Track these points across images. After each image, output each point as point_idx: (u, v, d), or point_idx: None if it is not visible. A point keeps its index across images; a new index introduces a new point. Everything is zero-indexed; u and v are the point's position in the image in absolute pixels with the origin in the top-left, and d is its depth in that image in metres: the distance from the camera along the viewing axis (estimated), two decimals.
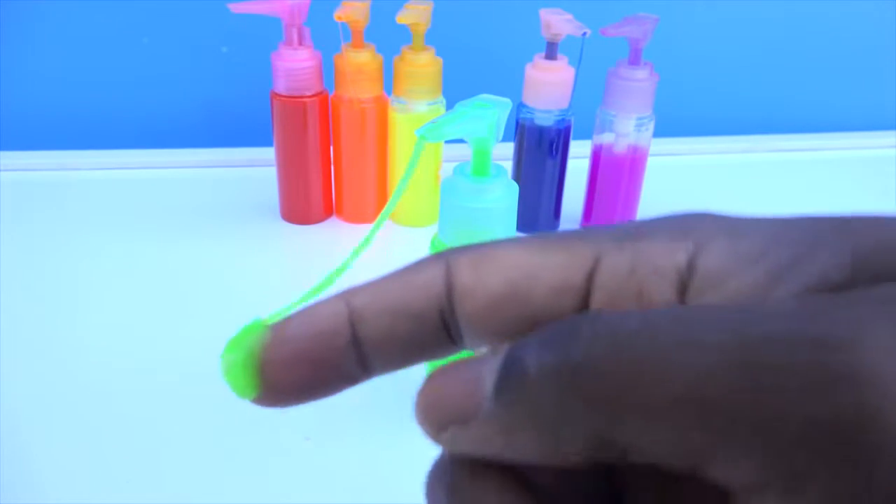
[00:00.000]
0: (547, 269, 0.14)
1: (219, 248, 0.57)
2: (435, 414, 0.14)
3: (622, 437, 0.12)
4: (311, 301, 0.16)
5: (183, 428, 0.39)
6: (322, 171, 0.59)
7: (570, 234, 0.15)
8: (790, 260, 0.12)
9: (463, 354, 0.15)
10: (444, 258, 0.15)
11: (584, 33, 0.50)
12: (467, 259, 0.15)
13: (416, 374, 0.42)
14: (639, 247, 0.14)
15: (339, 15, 0.53)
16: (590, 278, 0.14)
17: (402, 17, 0.53)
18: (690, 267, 0.13)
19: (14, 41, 0.70)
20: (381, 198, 0.61)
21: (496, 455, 0.13)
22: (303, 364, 0.15)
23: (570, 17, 0.53)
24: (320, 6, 0.55)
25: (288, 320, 0.15)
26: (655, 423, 0.11)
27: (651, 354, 0.11)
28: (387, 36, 0.57)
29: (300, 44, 0.55)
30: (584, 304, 0.14)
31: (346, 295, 0.15)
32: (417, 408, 0.15)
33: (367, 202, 0.60)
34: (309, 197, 0.60)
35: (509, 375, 0.13)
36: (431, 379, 0.14)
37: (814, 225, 0.13)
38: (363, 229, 0.60)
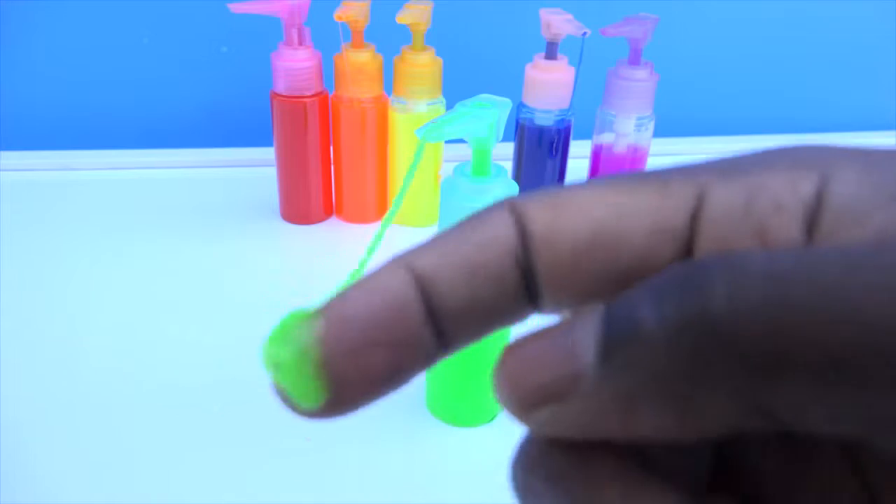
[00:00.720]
0: (639, 210, 0.12)
1: (219, 248, 0.57)
2: (523, 391, 0.12)
3: (780, 401, 0.10)
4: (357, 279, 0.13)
5: (183, 428, 0.39)
6: (322, 171, 0.59)
7: (659, 172, 0.13)
8: None
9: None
10: (508, 206, 0.13)
11: (584, 33, 0.50)
12: (540, 203, 0.13)
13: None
14: (752, 180, 0.12)
15: (339, 15, 0.53)
16: (693, 219, 0.12)
17: (402, 17, 0.53)
18: (819, 200, 0.11)
19: (14, 41, 0.70)
20: (381, 198, 0.61)
21: (609, 435, 0.11)
22: (376, 348, 0.12)
23: (570, 17, 0.53)
24: (320, 6, 0.55)
25: (343, 299, 0.12)
26: (831, 384, 0.09)
27: (823, 298, 0.09)
28: (387, 36, 0.57)
29: (300, 44, 0.55)
30: (686, 249, 0.12)
31: (405, 260, 0.13)
32: (499, 385, 0.12)
33: (367, 202, 0.60)
34: (309, 197, 0.60)
35: (618, 333, 0.11)
36: (512, 349, 0.12)
37: None
38: (363, 229, 0.60)
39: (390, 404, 0.41)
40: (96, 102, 0.74)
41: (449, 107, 0.58)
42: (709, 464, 0.13)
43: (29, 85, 0.72)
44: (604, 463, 0.12)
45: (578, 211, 0.12)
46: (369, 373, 0.12)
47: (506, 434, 0.39)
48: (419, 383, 0.42)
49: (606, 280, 0.12)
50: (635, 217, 0.12)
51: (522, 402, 0.12)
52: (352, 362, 0.12)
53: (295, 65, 0.54)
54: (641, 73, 0.53)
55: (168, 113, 0.75)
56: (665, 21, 0.54)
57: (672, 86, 0.63)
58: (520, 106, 0.56)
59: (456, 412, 0.40)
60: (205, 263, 0.55)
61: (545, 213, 0.12)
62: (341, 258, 0.57)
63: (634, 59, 0.53)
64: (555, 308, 0.13)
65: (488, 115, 0.32)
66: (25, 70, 0.72)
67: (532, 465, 0.13)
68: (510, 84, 0.57)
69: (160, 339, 0.46)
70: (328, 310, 0.12)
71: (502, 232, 0.13)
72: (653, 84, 0.54)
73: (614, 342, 0.11)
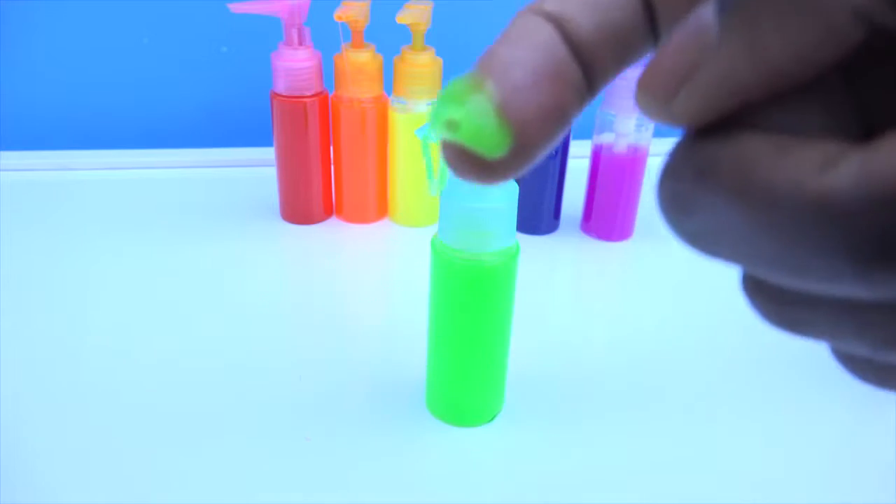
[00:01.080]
0: None
1: (219, 248, 0.57)
2: (660, 82, 0.13)
3: None
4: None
5: (183, 428, 0.39)
6: (322, 171, 0.59)
7: None
8: None
9: None
10: None
11: None
12: None
13: (413, 375, 0.42)
14: None
15: (339, 15, 0.53)
16: None
17: (402, 17, 0.53)
18: None
19: (14, 41, 0.70)
20: (382, 198, 0.61)
21: (746, 86, 0.12)
22: (541, 86, 0.13)
23: None
24: (320, 6, 0.55)
25: (494, 54, 0.14)
26: None
27: None
28: (387, 36, 0.57)
29: (300, 44, 0.55)
30: None
31: (533, 9, 0.14)
32: (639, 92, 0.13)
33: (367, 202, 0.60)
34: (309, 197, 0.60)
35: None
36: (644, 70, 0.13)
37: None
38: (363, 229, 0.60)
39: (390, 404, 0.41)
40: (96, 102, 0.74)
41: None
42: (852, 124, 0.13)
43: (29, 85, 0.72)
44: (751, 136, 0.12)
45: None
46: (542, 109, 0.13)
47: (506, 434, 0.39)
48: (419, 383, 0.42)
49: None
50: None
51: (661, 92, 0.13)
52: (525, 100, 0.13)
53: (295, 65, 0.54)
54: None
55: (168, 113, 0.75)
56: None
57: None
58: None
59: (456, 412, 0.40)
60: (205, 263, 0.55)
61: None
62: (341, 258, 0.57)
63: None
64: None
65: None
66: (25, 70, 0.72)
67: (680, 168, 0.13)
68: None
69: (160, 338, 0.46)
70: (485, 64, 0.13)
71: None
72: None
73: None
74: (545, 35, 0.13)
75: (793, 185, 0.11)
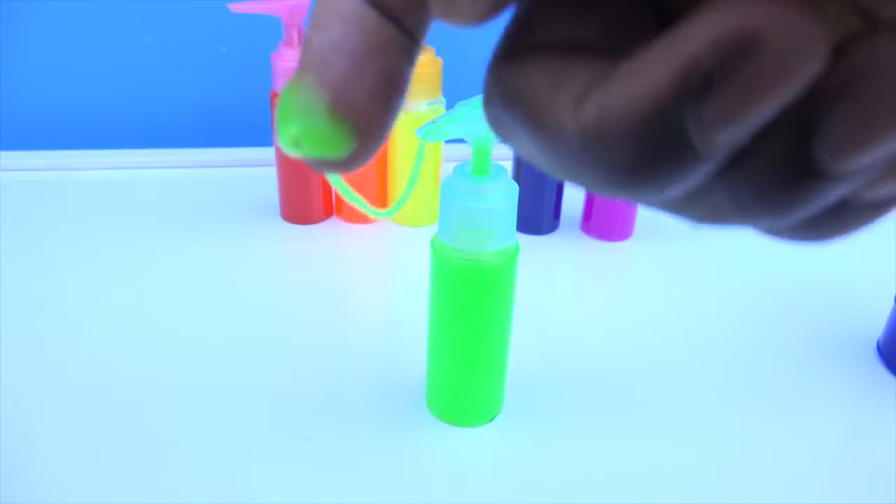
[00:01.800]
0: None
1: (219, 248, 0.57)
2: None
3: None
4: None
5: (183, 428, 0.39)
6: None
7: None
8: None
9: None
10: None
11: None
12: None
13: (413, 375, 0.42)
14: None
15: None
16: None
17: None
18: None
19: (14, 41, 0.70)
20: (382, 198, 0.61)
21: None
22: (364, 64, 0.13)
23: None
24: None
25: (309, 47, 0.13)
26: None
27: None
28: None
29: (300, 44, 0.55)
30: None
31: None
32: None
33: (368, 202, 0.60)
34: (309, 197, 0.60)
35: None
36: None
37: None
38: (363, 229, 0.60)
39: (390, 404, 0.41)
40: (96, 102, 0.74)
41: (449, 107, 0.58)
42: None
43: (29, 85, 0.72)
44: (534, 63, 0.12)
45: None
46: (373, 90, 0.13)
47: (506, 434, 0.39)
48: (419, 383, 0.42)
49: None
50: None
51: None
52: (352, 89, 0.13)
53: (295, 65, 0.54)
54: None
55: (168, 113, 0.75)
56: None
57: None
58: None
59: (456, 412, 0.40)
60: (205, 263, 0.55)
61: None
62: (341, 258, 0.57)
63: None
64: None
65: None
66: (25, 70, 0.72)
67: (490, 93, 0.13)
68: None
69: (160, 339, 0.46)
70: (304, 64, 0.13)
71: None
72: None
73: None
74: (353, 11, 0.13)
75: (556, 121, 0.11)
